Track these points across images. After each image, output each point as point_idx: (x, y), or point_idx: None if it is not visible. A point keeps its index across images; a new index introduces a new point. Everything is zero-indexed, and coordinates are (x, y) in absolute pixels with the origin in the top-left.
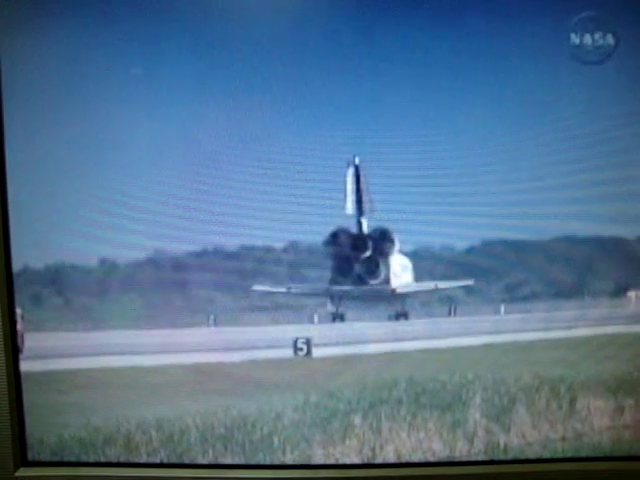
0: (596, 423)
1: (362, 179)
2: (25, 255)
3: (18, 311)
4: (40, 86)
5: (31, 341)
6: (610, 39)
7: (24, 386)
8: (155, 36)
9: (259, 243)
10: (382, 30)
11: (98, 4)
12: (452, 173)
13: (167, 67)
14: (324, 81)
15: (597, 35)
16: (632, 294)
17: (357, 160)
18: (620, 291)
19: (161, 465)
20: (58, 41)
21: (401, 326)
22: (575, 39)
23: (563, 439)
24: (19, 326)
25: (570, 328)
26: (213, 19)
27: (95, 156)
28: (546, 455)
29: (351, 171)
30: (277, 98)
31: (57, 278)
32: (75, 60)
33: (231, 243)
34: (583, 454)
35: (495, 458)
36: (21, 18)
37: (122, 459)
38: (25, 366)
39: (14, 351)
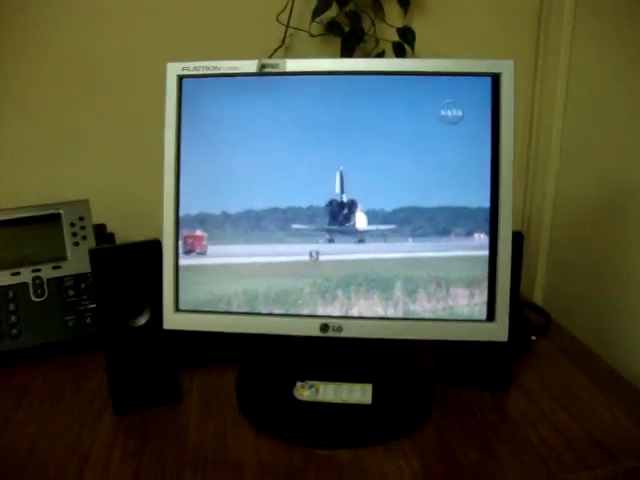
0: (460, 302)
1: (344, 177)
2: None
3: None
4: None
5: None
6: (460, 112)
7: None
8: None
9: (295, 205)
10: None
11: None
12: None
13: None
14: (331, 134)
15: (453, 110)
16: (477, 235)
17: (341, 168)
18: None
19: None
20: None
21: (360, 246)
22: (442, 112)
23: (443, 309)
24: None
25: (442, 251)
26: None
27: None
28: (430, 316)
29: (339, 174)
30: (311, 138)
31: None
32: None
33: (285, 206)
34: (449, 317)
35: (406, 317)
36: None
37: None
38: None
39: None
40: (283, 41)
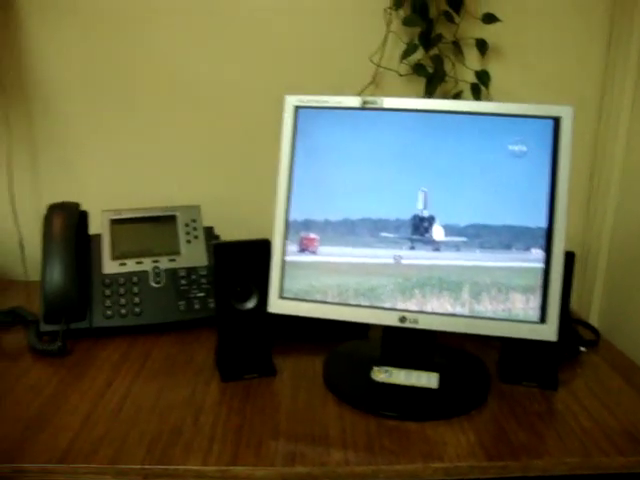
0: (517, 306)
1: (426, 196)
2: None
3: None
4: None
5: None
6: (525, 148)
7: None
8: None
9: (384, 217)
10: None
11: None
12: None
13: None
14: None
15: (519, 146)
16: (534, 250)
17: (424, 189)
18: (527, 248)
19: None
20: None
21: (436, 254)
22: (510, 147)
23: (502, 310)
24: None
25: (504, 262)
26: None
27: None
28: (491, 315)
29: (422, 193)
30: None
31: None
32: None
33: (376, 217)
34: (508, 318)
35: (472, 315)
36: None
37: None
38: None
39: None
40: (373, 79)
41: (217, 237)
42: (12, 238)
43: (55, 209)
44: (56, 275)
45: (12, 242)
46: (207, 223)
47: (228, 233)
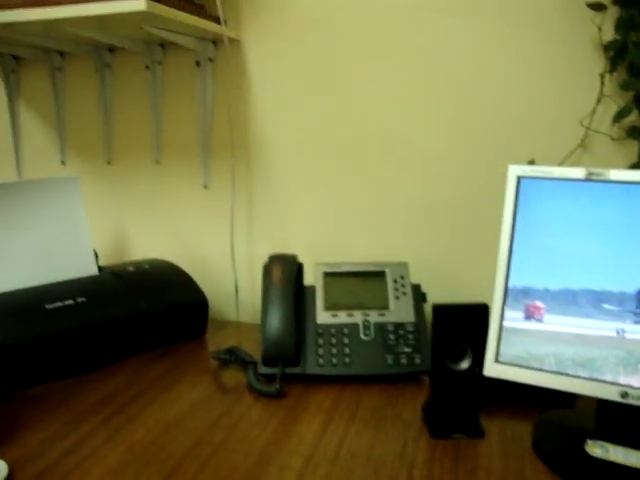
0: None
1: None
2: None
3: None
4: None
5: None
6: None
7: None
8: None
9: (607, 289)
10: None
11: None
12: None
13: None
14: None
15: None
16: None
17: None
18: None
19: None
20: None
21: None
22: None
23: None
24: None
25: None
26: None
27: None
28: None
29: None
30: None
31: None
32: None
33: (598, 288)
34: None
35: None
36: None
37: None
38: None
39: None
40: (582, 142)
41: (424, 295)
42: (229, 281)
43: (275, 260)
44: (276, 322)
45: (229, 285)
46: (413, 280)
47: (433, 291)
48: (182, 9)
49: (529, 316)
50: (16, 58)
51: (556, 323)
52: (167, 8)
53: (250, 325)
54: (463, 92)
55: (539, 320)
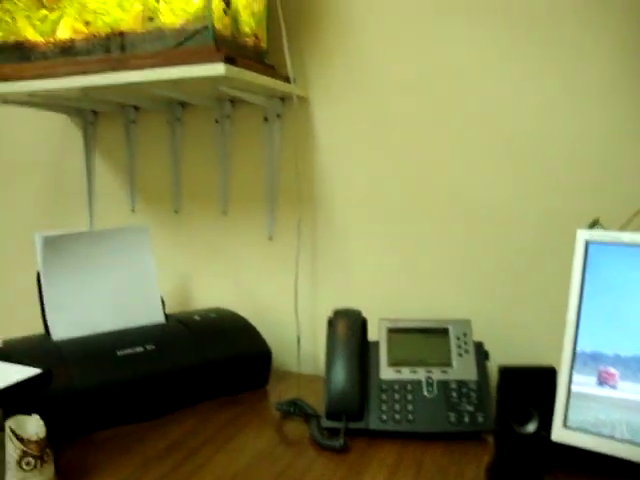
0: None
1: None
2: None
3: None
4: None
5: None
6: None
7: None
8: None
9: None
10: None
11: None
12: None
13: None
14: None
15: None
16: None
17: None
18: None
19: None
20: None
21: None
22: None
23: None
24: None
25: None
26: None
27: None
28: None
29: None
30: None
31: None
32: None
33: None
34: None
35: None
36: None
37: None
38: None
39: None
40: None
41: (486, 353)
42: (291, 332)
43: (340, 315)
44: (340, 376)
45: (291, 336)
46: (476, 337)
47: (495, 349)
48: (256, 71)
49: (602, 382)
50: (94, 111)
51: (630, 390)
52: (244, 71)
53: (311, 377)
54: (532, 150)
55: (613, 387)
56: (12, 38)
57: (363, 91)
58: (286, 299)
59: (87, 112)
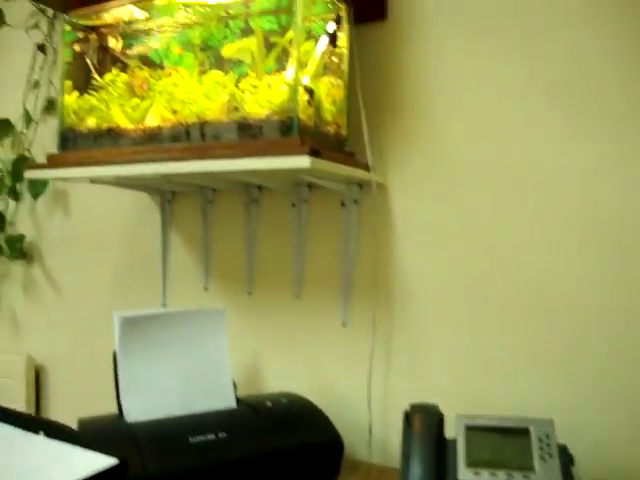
0: None
1: None
2: None
3: None
4: None
5: None
6: None
7: None
8: None
9: None
10: None
11: None
12: None
13: None
14: None
15: None
16: None
17: None
18: None
19: None
20: None
21: None
22: None
23: None
24: None
25: None
26: None
27: None
28: None
29: None
30: None
31: None
32: None
33: None
34: None
35: None
36: None
37: None
38: None
39: None
40: None
41: (571, 458)
42: (363, 421)
43: (417, 409)
44: (417, 474)
45: (362, 424)
46: (560, 439)
47: (582, 453)
48: (338, 161)
49: None
50: (173, 191)
51: None
52: (329, 163)
53: (382, 467)
54: (614, 237)
55: None
56: (105, 125)
57: (442, 177)
58: (359, 386)
59: (166, 191)
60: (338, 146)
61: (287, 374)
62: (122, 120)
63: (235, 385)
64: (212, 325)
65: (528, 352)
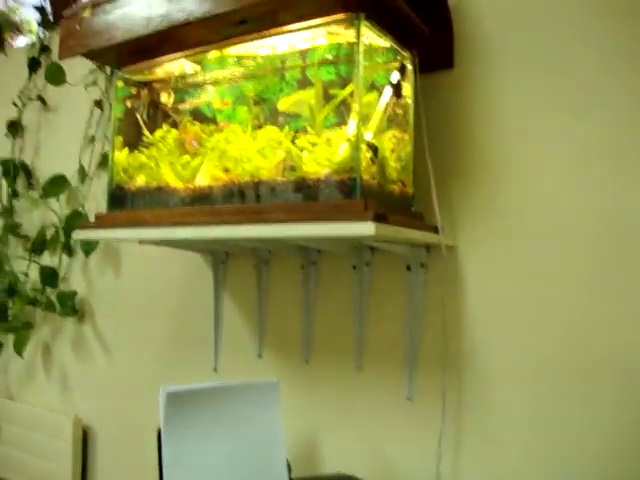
0: None
1: None
2: None
3: None
4: None
5: None
6: None
7: None
8: None
9: None
10: None
11: None
12: None
13: None
14: None
15: None
16: None
17: None
18: None
19: None
20: None
21: None
22: None
23: None
24: None
25: None
26: None
27: None
28: None
29: None
30: None
31: None
32: None
33: None
34: None
35: None
36: None
37: None
38: None
39: None
40: None
41: None
42: None
43: None
44: None
45: None
46: None
47: None
48: (405, 225)
49: None
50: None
51: None
52: (395, 228)
53: None
54: None
55: None
56: (154, 183)
57: (519, 239)
58: (426, 470)
59: (219, 252)
60: (404, 207)
61: (346, 453)
62: (172, 179)
63: (289, 466)
64: (265, 400)
65: (610, 435)
